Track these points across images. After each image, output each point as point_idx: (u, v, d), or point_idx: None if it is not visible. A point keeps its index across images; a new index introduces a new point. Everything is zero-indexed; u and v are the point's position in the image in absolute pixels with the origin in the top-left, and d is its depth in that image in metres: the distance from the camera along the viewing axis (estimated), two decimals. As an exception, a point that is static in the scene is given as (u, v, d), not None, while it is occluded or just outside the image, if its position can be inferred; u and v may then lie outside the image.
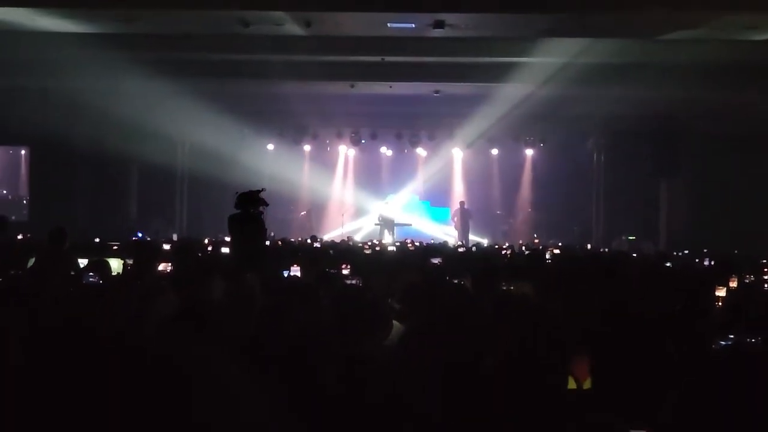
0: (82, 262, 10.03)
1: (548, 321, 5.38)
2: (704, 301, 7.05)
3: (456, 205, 29.44)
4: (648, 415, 3.24)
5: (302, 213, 30.31)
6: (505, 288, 7.81)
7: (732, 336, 5.00)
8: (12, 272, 9.21)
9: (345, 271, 9.87)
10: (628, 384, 3.45)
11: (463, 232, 28.23)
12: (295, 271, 9.59)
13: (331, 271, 9.40)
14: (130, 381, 3.68)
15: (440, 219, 31.10)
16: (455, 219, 28.94)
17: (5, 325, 4.69)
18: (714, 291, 7.84)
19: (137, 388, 3.62)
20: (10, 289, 6.71)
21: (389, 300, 6.80)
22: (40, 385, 3.74)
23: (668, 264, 14.01)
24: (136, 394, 3.61)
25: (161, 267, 9.53)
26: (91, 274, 8.25)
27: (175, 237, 24.78)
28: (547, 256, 15.51)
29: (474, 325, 5.38)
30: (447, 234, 29.38)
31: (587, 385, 3.81)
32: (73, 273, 9.55)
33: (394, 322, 5.69)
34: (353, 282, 8.21)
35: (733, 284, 8.79)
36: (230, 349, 4.33)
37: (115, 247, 14.96)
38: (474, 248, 20.12)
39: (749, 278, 9.74)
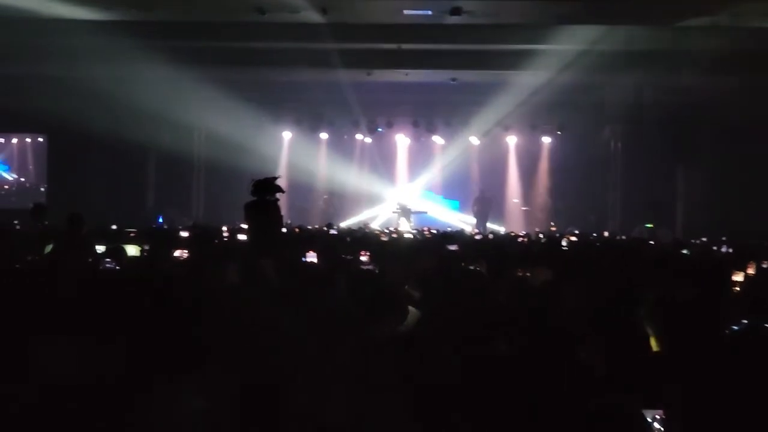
0: (100, 249, 10.05)
1: (563, 306, 5.38)
2: (722, 286, 7.04)
3: (473, 194, 29.33)
4: (662, 396, 3.24)
5: (324, 197, 30.12)
6: (521, 274, 7.81)
7: (746, 321, 4.99)
8: (30, 258, 9.26)
9: (363, 258, 9.88)
10: (641, 366, 3.46)
11: (482, 221, 28.12)
12: (312, 257, 9.59)
13: (348, 257, 9.41)
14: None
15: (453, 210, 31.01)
16: (475, 207, 28.81)
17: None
18: (731, 276, 7.82)
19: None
20: (29, 273, 6.77)
21: (406, 286, 6.80)
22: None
23: (685, 251, 13.96)
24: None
25: (177, 253, 9.56)
26: (108, 259, 8.29)
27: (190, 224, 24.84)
28: (564, 243, 15.46)
29: (489, 309, 5.39)
30: (464, 222, 29.28)
31: (601, 367, 3.82)
32: (91, 260, 9.57)
33: (411, 307, 5.70)
34: (369, 268, 8.21)
35: (751, 270, 8.76)
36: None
37: (132, 234, 14.99)
38: (491, 236, 20.10)
39: (767, 264, 9.69)
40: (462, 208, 30.77)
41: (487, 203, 28.43)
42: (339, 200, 30.31)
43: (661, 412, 3.18)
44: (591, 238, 19.84)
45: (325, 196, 29.98)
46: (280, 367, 3.73)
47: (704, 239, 19.59)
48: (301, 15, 16.02)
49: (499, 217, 29.60)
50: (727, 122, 25.04)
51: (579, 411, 3.26)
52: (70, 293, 5.09)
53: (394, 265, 8.66)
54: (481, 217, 28.20)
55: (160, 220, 24.67)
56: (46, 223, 12.98)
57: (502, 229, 27.31)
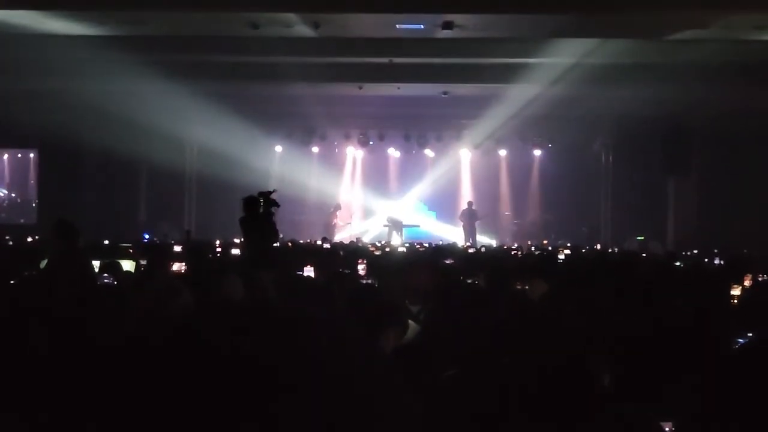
0: (95, 264, 10.03)
1: (564, 319, 5.39)
2: (720, 299, 7.06)
3: (462, 206, 29.34)
4: (671, 408, 3.26)
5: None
6: (519, 287, 7.83)
7: (750, 334, 5.02)
8: (26, 273, 9.23)
9: (360, 267, 9.92)
10: (648, 379, 3.48)
11: (470, 233, 28.11)
12: (309, 271, 9.60)
13: (345, 271, 9.42)
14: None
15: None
16: (462, 219, 28.80)
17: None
18: (729, 289, 7.85)
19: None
20: (25, 289, 6.75)
21: (404, 300, 6.81)
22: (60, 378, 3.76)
23: (678, 264, 13.99)
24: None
25: (175, 267, 9.57)
26: (105, 275, 8.29)
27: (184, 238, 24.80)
28: (561, 257, 15.47)
29: (490, 323, 5.39)
30: (454, 235, 29.27)
31: (606, 381, 3.83)
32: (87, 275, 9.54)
33: (410, 322, 5.71)
34: (369, 282, 8.23)
35: (748, 283, 8.79)
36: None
37: (126, 249, 14.96)
38: (483, 249, 20.13)
39: (763, 277, 9.72)
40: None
41: (474, 216, 28.41)
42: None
43: (670, 424, 3.20)
44: (583, 251, 19.88)
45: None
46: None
47: (695, 251, 19.65)
48: (293, 29, 16.01)
49: (491, 230, 29.61)
50: (717, 134, 25.15)
51: (589, 423, 3.27)
52: (68, 310, 5.02)
53: (389, 279, 8.66)
54: (470, 230, 28.18)
55: (146, 236, 24.57)
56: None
57: (493, 242, 27.32)
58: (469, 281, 8.45)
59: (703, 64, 18.10)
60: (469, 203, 28.86)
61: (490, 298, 6.37)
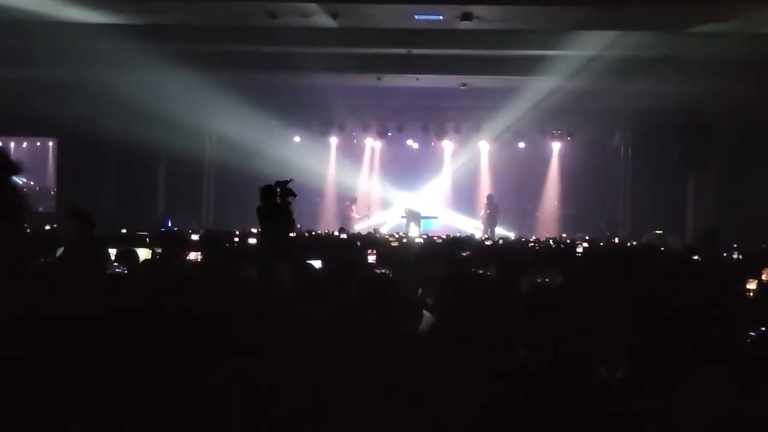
0: (112, 252, 10.04)
1: (579, 312, 5.37)
2: (735, 293, 7.01)
3: (482, 200, 29.27)
4: (686, 401, 3.24)
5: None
6: (538, 280, 7.80)
7: (764, 328, 4.97)
8: (42, 260, 9.24)
9: (371, 257, 9.89)
10: (662, 372, 3.45)
11: (490, 226, 28.05)
12: (320, 262, 9.56)
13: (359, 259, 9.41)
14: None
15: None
16: (482, 212, 28.72)
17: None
18: (745, 283, 7.80)
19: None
20: (41, 276, 6.75)
21: (419, 291, 6.80)
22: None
23: (696, 257, 13.90)
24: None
25: (192, 256, 9.58)
26: (116, 264, 8.30)
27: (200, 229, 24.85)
28: (579, 250, 15.38)
29: (503, 315, 5.37)
30: (474, 227, 29.19)
31: (621, 373, 3.81)
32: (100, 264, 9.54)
33: (425, 312, 5.69)
34: (383, 272, 8.21)
35: (766, 277, 8.73)
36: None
37: (143, 237, 15.00)
38: (501, 241, 20.08)
39: (781, 271, 9.64)
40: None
41: (495, 209, 28.33)
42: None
43: (688, 417, 3.18)
44: (601, 244, 19.78)
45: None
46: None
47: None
48: (312, 20, 16.01)
49: (509, 223, 29.52)
50: (737, 128, 24.98)
51: (602, 418, 3.26)
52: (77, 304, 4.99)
53: (405, 270, 8.65)
54: (490, 223, 28.11)
55: (169, 224, 24.67)
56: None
57: (511, 235, 27.24)
58: (481, 272, 8.40)
59: (724, 57, 17.98)
60: (489, 196, 28.73)
61: (502, 289, 6.35)
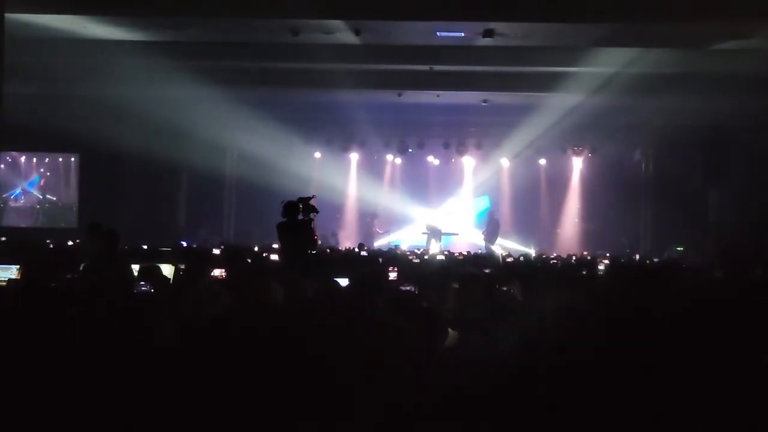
0: (134, 268, 10.08)
1: (603, 327, 5.35)
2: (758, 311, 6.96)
3: (505, 216, 29.31)
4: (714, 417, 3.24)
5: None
6: (553, 296, 7.79)
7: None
8: (69, 276, 9.31)
9: (392, 275, 9.90)
10: (681, 387, 3.45)
11: (490, 242, 27.93)
12: (345, 279, 9.57)
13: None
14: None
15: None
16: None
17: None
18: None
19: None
20: (67, 292, 6.81)
21: (443, 307, 6.80)
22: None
23: (718, 274, 13.84)
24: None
25: (216, 272, 9.61)
26: (142, 283, 8.31)
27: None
28: (601, 268, 15.33)
29: (527, 330, 5.37)
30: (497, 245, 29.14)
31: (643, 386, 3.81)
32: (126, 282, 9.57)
33: (449, 329, 5.70)
34: (408, 288, 8.23)
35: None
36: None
37: (165, 253, 15.05)
38: (522, 258, 20.05)
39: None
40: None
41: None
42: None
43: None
44: (622, 260, 19.72)
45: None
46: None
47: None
48: (334, 36, 16.07)
49: (530, 239, 29.48)
50: (759, 145, 24.86)
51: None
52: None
53: (427, 287, 8.66)
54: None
55: (184, 243, 24.71)
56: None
57: (532, 251, 27.19)
58: (504, 289, 8.40)
59: (746, 73, 17.92)
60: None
61: (524, 306, 6.35)
